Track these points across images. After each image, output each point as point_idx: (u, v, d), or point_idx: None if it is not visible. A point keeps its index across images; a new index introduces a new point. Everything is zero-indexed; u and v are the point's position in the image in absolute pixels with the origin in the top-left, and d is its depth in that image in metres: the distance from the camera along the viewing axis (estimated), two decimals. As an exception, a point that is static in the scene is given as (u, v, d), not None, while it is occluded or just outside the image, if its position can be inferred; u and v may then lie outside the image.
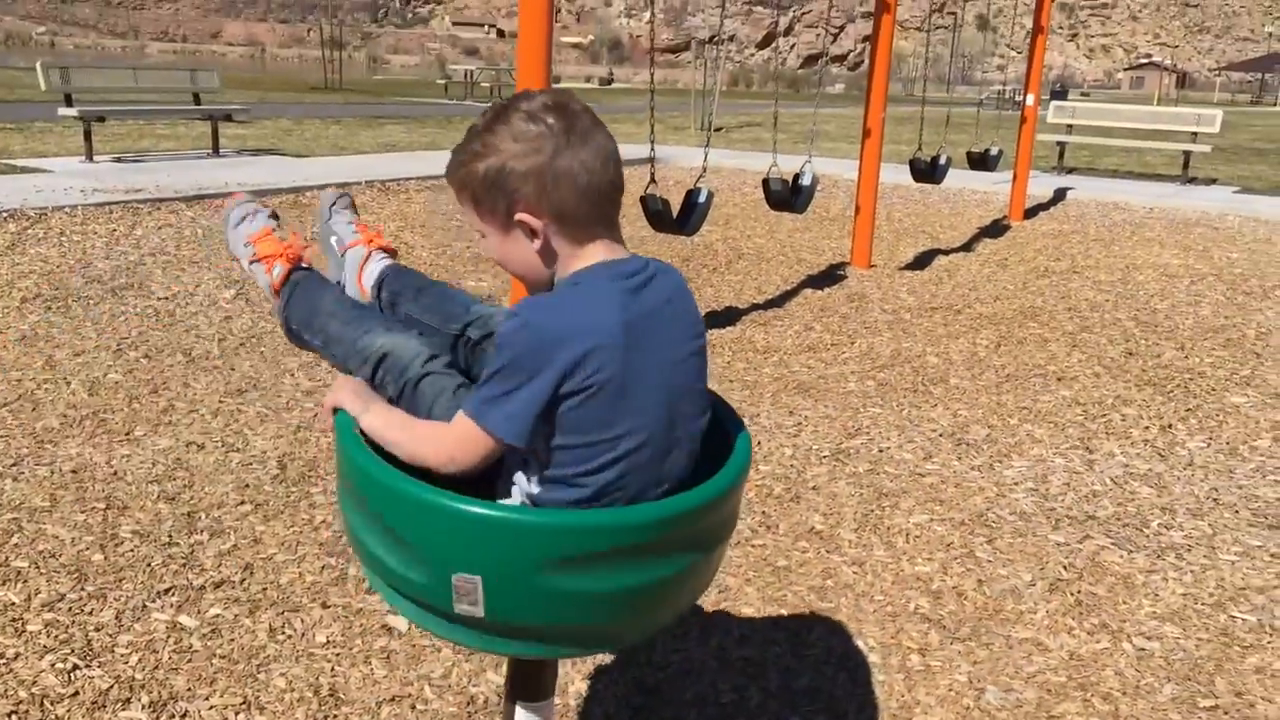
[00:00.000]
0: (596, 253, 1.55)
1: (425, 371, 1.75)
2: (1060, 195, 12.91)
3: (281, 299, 1.95)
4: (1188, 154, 14.88)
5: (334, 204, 2.14)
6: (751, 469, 3.98)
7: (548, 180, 1.49)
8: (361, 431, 1.63)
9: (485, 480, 1.63)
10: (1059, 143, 15.67)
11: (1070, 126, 15.86)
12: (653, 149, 6.28)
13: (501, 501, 1.64)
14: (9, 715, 2.35)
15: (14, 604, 2.80)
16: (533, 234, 1.53)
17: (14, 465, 3.68)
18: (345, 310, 1.90)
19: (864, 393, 5.01)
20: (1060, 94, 41.31)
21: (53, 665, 2.55)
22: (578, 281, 1.53)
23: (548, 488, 1.57)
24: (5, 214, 8.00)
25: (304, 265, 1.99)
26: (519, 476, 1.62)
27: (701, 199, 5.88)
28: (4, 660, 2.56)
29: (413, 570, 1.52)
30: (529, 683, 1.85)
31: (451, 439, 1.52)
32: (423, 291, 1.96)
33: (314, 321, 1.90)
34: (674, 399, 1.57)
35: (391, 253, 2.07)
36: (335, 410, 1.67)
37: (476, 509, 1.46)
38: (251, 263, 2.00)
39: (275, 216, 2.09)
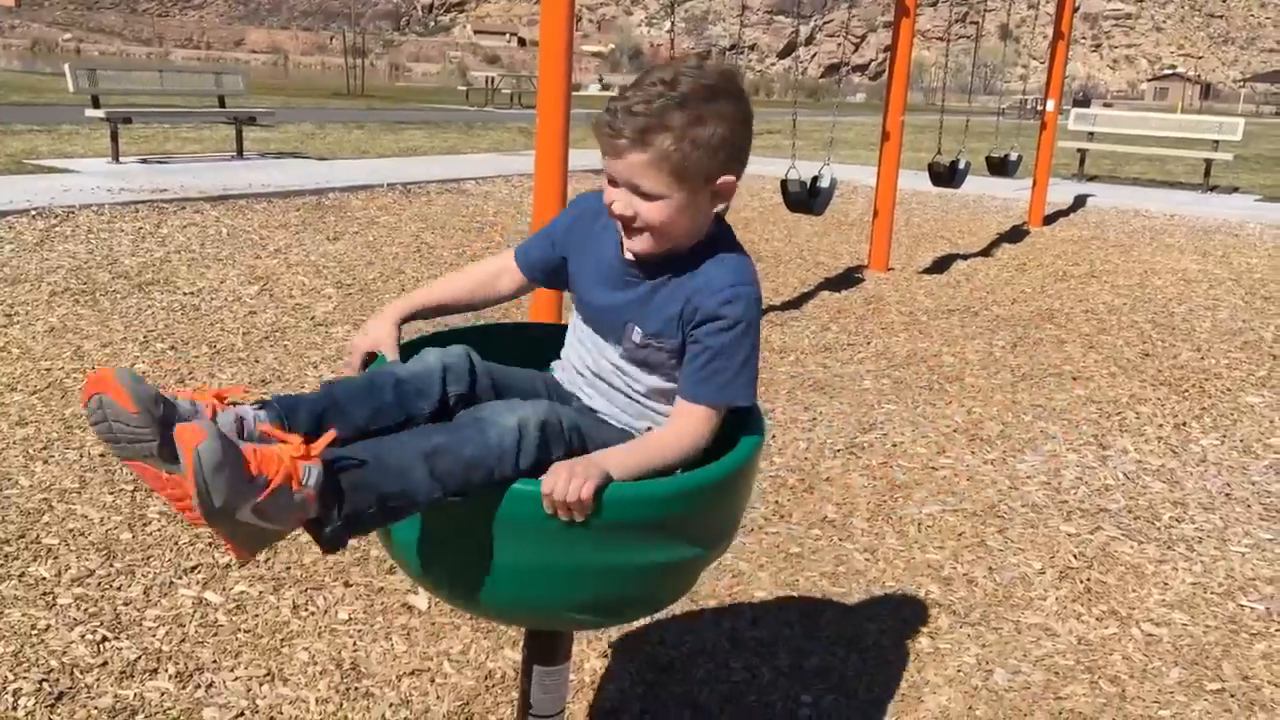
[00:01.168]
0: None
1: (572, 413, 1.73)
2: (1080, 202, 12.91)
3: (327, 499, 1.42)
4: (1209, 162, 14.86)
5: (152, 395, 1.45)
6: (766, 460, 4.03)
7: (745, 154, 1.68)
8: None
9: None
10: (1080, 150, 15.67)
11: (1091, 134, 15.86)
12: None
13: None
14: (40, 683, 2.42)
15: (45, 579, 2.88)
16: (722, 200, 1.69)
17: (44, 449, 3.76)
18: (442, 433, 1.57)
19: (879, 390, 5.05)
20: (1083, 104, 41.23)
21: (83, 636, 2.62)
22: (734, 243, 1.77)
23: None
24: (34, 212, 8.12)
25: (331, 449, 1.47)
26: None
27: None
28: (36, 631, 2.63)
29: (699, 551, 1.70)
30: (545, 648, 1.91)
31: (708, 426, 1.69)
32: (348, 404, 1.65)
33: (412, 476, 1.49)
34: None
35: (235, 402, 1.57)
36: (594, 497, 1.51)
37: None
38: (272, 494, 1.36)
39: (263, 405, 1.57)
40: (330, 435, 1.46)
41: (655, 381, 1.78)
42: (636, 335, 1.75)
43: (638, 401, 1.81)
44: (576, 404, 1.87)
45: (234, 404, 1.55)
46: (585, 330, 1.86)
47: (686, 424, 1.68)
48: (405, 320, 1.89)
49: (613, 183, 1.66)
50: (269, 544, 1.44)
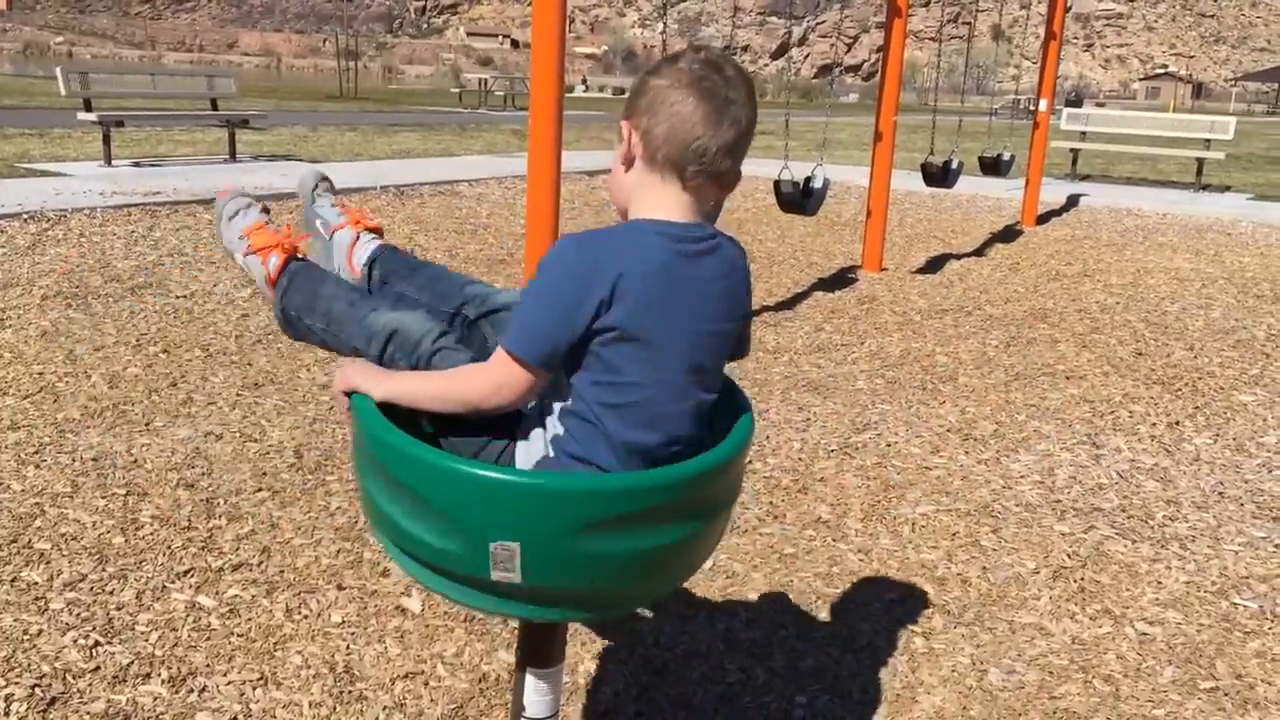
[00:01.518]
0: (662, 205, 1.63)
1: (438, 347, 1.77)
2: (1073, 201, 12.93)
3: (278, 289, 1.93)
4: (1201, 161, 14.89)
5: (315, 188, 2.15)
6: (759, 461, 4.03)
7: (657, 102, 1.60)
8: (379, 407, 1.65)
9: (504, 424, 1.71)
10: (1072, 150, 15.70)
11: (1084, 134, 15.89)
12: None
13: (525, 445, 1.71)
14: (33, 688, 2.41)
15: (36, 583, 2.87)
16: (625, 141, 1.65)
17: (36, 453, 3.75)
18: (348, 293, 1.91)
19: (873, 390, 5.05)
20: (1076, 103, 41.27)
21: (75, 641, 2.61)
22: (629, 224, 1.65)
23: (571, 426, 1.64)
24: (26, 215, 8.11)
25: (300, 256, 1.99)
26: (549, 419, 1.68)
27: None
28: (27, 636, 2.62)
29: (448, 540, 1.56)
30: (539, 650, 1.91)
31: (495, 373, 1.60)
32: (416, 271, 2.01)
33: (316, 305, 1.89)
34: (694, 366, 1.64)
35: (379, 233, 2.09)
36: (349, 394, 1.69)
37: (514, 477, 1.52)
38: (247, 255, 1.98)
39: (266, 210, 2.09)
40: (298, 241, 2.00)
41: None
42: None
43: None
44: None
45: (370, 231, 2.10)
46: None
47: (476, 367, 1.66)
48: None
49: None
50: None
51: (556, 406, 1.68)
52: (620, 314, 1.53)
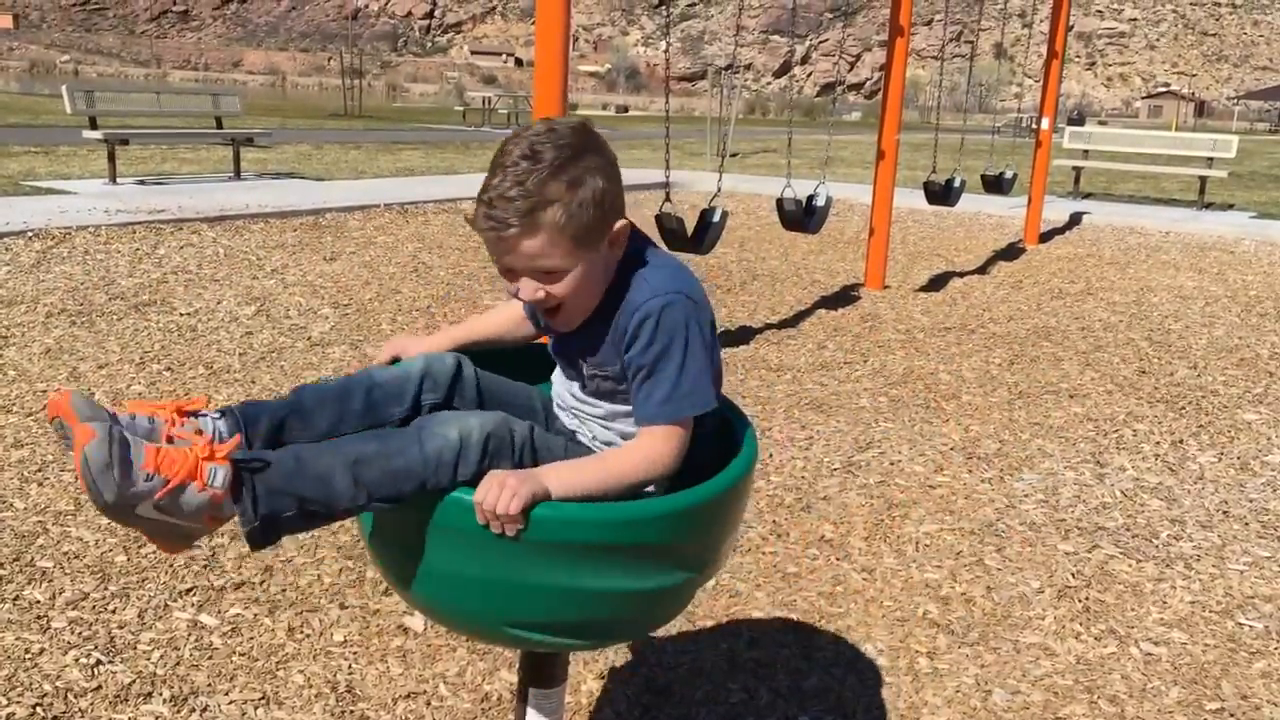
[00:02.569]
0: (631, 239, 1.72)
1: (529, 428, 1.67)
2: (1076, 219, 12.95)
3: (243, 501, 1.47)
4: (1204, 179, 14.90)
5: (104, 418, 1.45)
6: (763, 480, 4.02)
7: (622, 197, 1.67)
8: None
9: None
10: (1075, 168, 15.72)
11: (1086, 152, 15.91)
12: (668, 169, 6.37)
13: None
14: (34, 707, 2.41)
15: (39, 601, 2.87)
16: (619, 247, 1.68)
17: (39, 471, 3.75)
18: (371, 440, 1.58)
19: (876, 408, 5.05)
20: (1078, 121, 41.38)
21: (76, 660, 2.61)
22: (654, 256, 1.72)
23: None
24: (31, 233, 8.13)
25: (239, 449, 1.53)
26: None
27: (716, 218, 5.95)
28: (29, 655, 2.61)
29: (662, 580, 1.65)
30: (541, 670, 1.90)
31: (665, 445, 1.65)
32: (313, 411, 1.71)
33: (334, 483, 1.51)
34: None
35: (196, 412, 1.60)
36: (524, 512, 1.50)
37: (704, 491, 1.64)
38: (170, 492, 1.42)
39: (112, 418, 1.46)
40: (236, 439, 1.52)
41: (614, 408, 1.80)
42: (586, 368, 1.78)
43: (606, 428, 1.82)
44: (559, 425, 1.89)
45: (194, 414, 1.59)
46: (558, 365, 1.91)
47: (640, 444, 1.66)
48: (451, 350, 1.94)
49: (510, 274, 1.65)
50: (193, 539, 1.52)
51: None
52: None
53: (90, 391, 4.64)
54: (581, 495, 1.55)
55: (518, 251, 1.59)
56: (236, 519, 1.48)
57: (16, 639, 2.68)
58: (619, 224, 1.64)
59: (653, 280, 1.66)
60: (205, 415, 1.60)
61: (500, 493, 1.47)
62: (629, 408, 1.74)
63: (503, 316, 2.05)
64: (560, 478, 1.54)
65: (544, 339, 2.03)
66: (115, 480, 1.38)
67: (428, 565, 1.60)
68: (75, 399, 1.45)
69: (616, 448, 1.73)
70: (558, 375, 1.92)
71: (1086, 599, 3.21)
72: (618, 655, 2.77)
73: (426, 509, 1.56)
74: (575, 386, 1.84)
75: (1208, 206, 14.85)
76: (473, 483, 1.53)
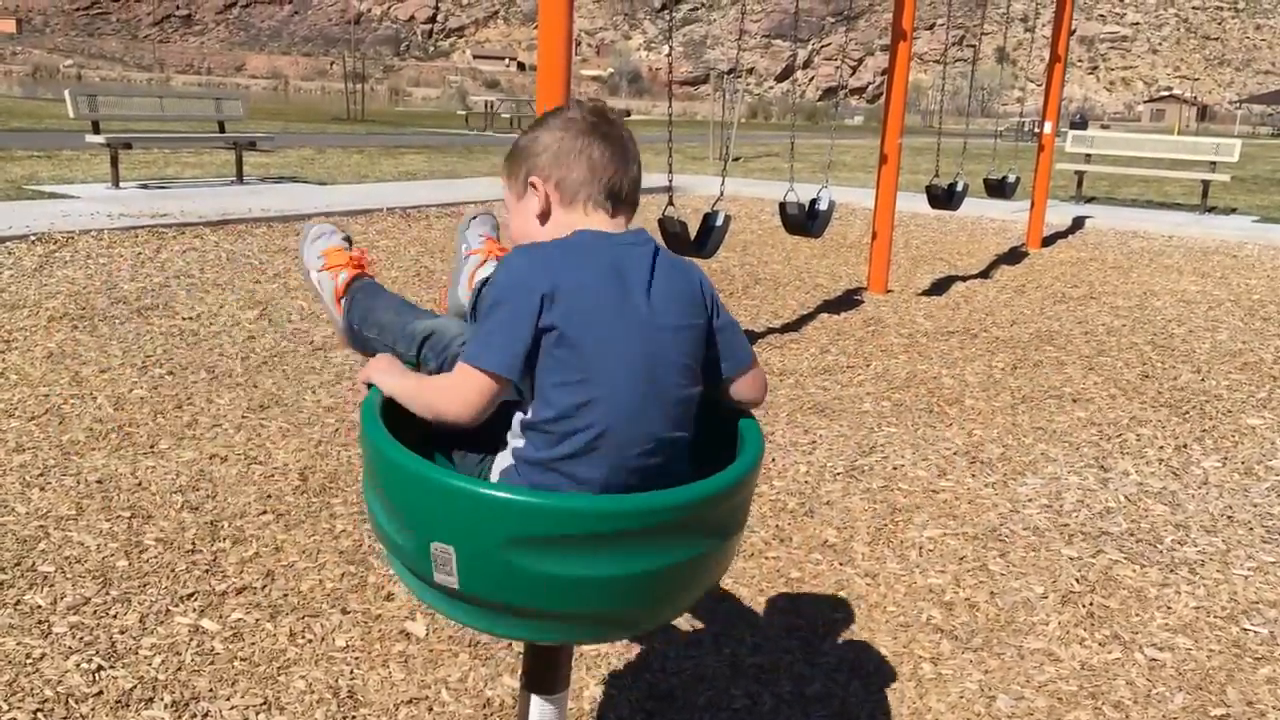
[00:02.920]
0: (590, 224, 1.74)
1: (463, 349, 1.80)
2: (1079, 224, 12.93)
3: (345, 303, 2.07)
4: (1206, 184, 14.89)
5: (475, 218, 2.27)
6: (765, 485, 4.01)
7: (562, 154, 1.75)
8: (388, 402, 1.75)
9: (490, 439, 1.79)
10: (1078, 172, 15.71)
11: (1089, 156, 15.90)
12: (670, 173, 6.36)
13: (496, 460, 1.75)
14: (35, 713, 2.40)
15: (40, 606, 2.86)
16: (537, 197, 1.77)
17: (40, 475, 3.75)
18: (399, 304, 2.04)
19: (879, 413, 5.04)
20: (1080, 125, 41.38)
21: (78, 665, 2.60)
22: (570, 238, 1.72)
23: (528, 438, 1.66)
24: (33, 237, 8.13)
25: (366, 274, 2.13)
26: (511, 431, 1.72)
27: (719, 222, 5.94)
28: (30, 660, 2.61)
29: (402, 538, 1.60)
30: (544, 675, 1.89)
31: (460, 387, 1.63)
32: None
33: (370, 316, 2.02)
34: (653, 363, 1.64)
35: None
36: (369, 386, 1.80)
37: (443, 478, 1.54)
38: (321, 271, 2.12)
39: (349, 240, 2.22)
40: (363, 263, 2.13)
41: None
42: None
43: None
44: None
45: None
46: None
47: (443, 377, 1.73)
48: None
49: None
50: (335, 327, 2.14)
51: (517, 418, 1.71)
52: (558, 314, 1.59)
53: (93, 396, 4.64)
54: (402, 401, 1.73)
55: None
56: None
57: (18, 644, 2.67)
58: (532, 177, 1.76)
59: (524, 247, 1.71)
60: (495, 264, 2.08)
61: (364, 368, 1.82)
62: None
63: None
64: (396, 380, 1.76)
65: None
66: (304, 247, 2.15)
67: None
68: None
69: (442, 374, 1.80)
70: None
71: (1090, 604, 3.20)
72: (620, 661, 2.76)
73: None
74: None
75: (1211, 210, 14.84)
76: (413, 365, 1.88)
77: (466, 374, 1.62)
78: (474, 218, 2.27)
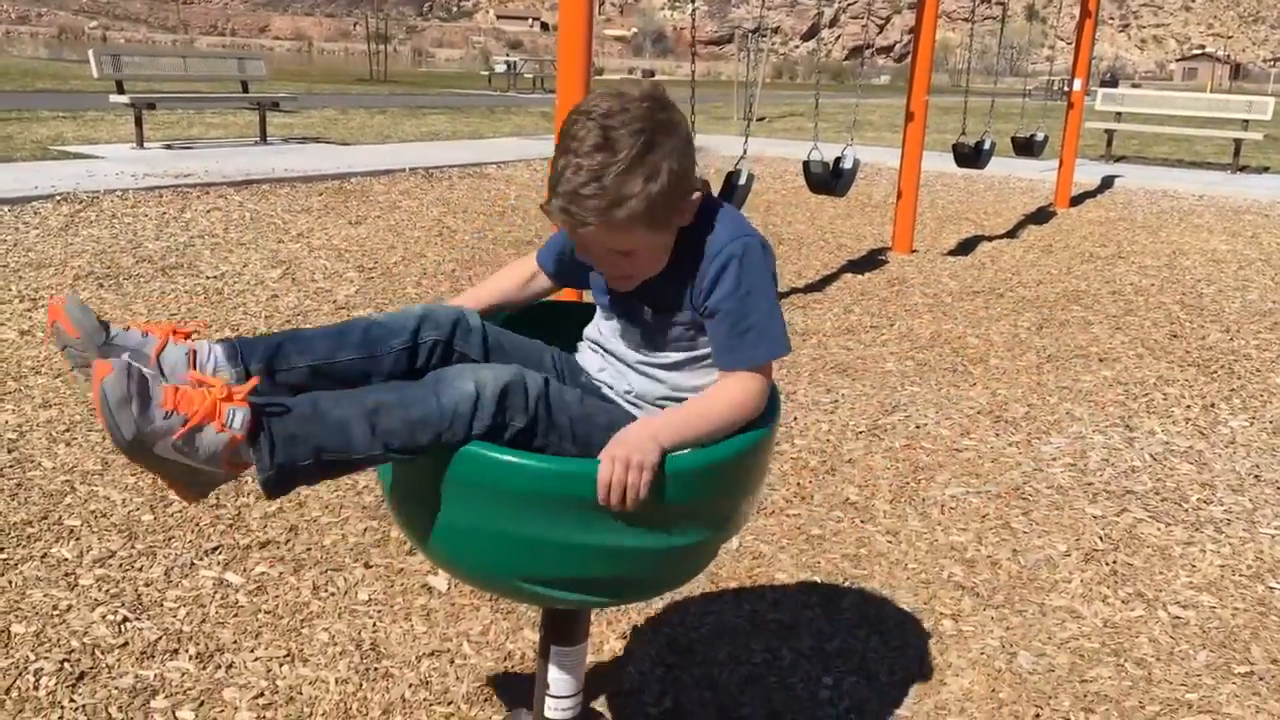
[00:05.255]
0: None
1: (544, 381, 1.63)
2: (1108, 183, 12.78)
3: (261, 447, 1.46)
4: (1239, 142, 14.66)
5: (94, 326, 1.58)
6: (787, 443, 4.00)
7: (694, 166, 1.66)
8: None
9: None
10: (1107, 131, 15.50)
11: (1119, 114, 15.68)
12: (694, 133, 6.31)
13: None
14: (62, 663, 2.43)
15: (66, 559, 2.89)
16: (690, 212, 1.67)
17: (67, 431, 3.78)
18: (388, 391, 1.58)
19: (902, 372, 5.01)
20: (1111, 84, 40.80)
21: (104, 617, 2.63)
22: (717, 205, 1.72)
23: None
24: (59, 197, 8.17)
25: (256, 396, 1.51)
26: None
27: (742, 181, 5.90)
28: (57, 612, 2.64)
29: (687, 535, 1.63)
30: (563, 628, 1.90)
31: (756, 387, 1.65)
32: (311, 340, 1.70)
33: (351, 431, 1.50)
34: None
35: (190, 335, 1.65)
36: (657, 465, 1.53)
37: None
38: (190, 432, 1.42)
39: (214, 343, 1.64)
40: (253, 382, 1.52)
41: (672, 357, 1.77)
42: (648, 314, 1.76)
43: (655, 379, 1.80)
44: (585, 378, 1.87)
45: (190, 337, 1.63)
46: (602, 312, 1.88)
47: (728, 389, 1.65)
48: None
49: (585, 249, 1.68)
50: (212, 486, 1.53)
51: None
52: None
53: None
54: (686, 445, 1.58)
55: (595, 237, 1.61)
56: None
57: (45, 595, 2.70)
58: (693, 196, 1.65)
59: (727, 227, 1.68)
60: (201, 340, 1.63)
61: (627, 474, 1.49)
62: (686, 357, 1.77)
63: (509, 280, 2.00)
64: (666, 433, 1.55)
65: (565, 294, 2.00)
66: (133, 415, 1.37)
67: (447, 519, 1.60)
68: (70, 307, 1.55)
69: (699, 396, 1.69)
70: (601, 326, 1.89)
71: (1114, 562, 3.18)
72: (640, 615, 2.77)
73: (445, 464, 1.55)
74: (634, 336, 1.80)
75: (1242, 169, 14.62)
76: (487, 436, 1.54)
77: (764, 373, 1.67)
78: (91, 331, 1.58)
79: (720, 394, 1.65)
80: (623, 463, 1.48)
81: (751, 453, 1.66)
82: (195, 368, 1.59)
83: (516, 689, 2.44)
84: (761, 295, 1.65)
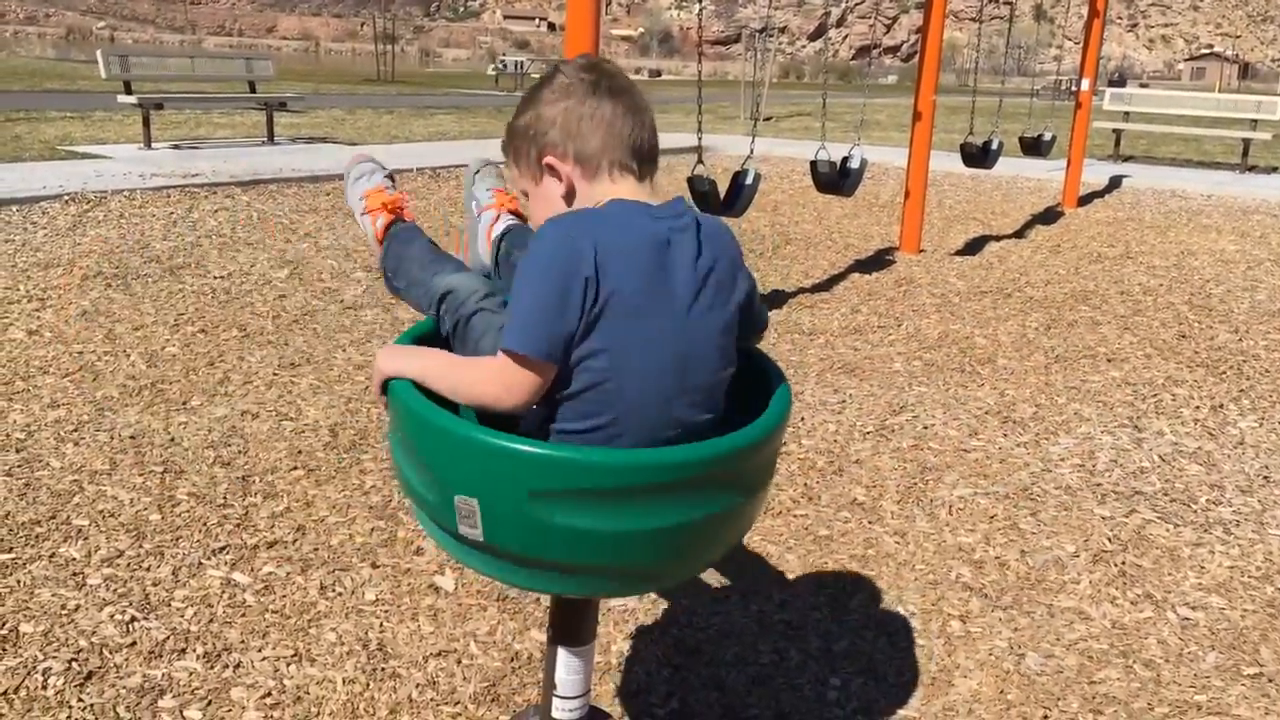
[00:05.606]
0: (621, 193, 1.61)
1: (478, 308, 1.79)
2: (1116, 183, 12.75)
3: (383, 248, 2.06)
4: (1247, 142, 14.62)
5: (478, 171, 2.27)
6: (794, 443, 4.00)
7: (572, 124, 1.62)
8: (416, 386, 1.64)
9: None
10: (1115, 130, 15.47)
11: (1127, 114, 15.65)
12: (700, 133, 6.31)
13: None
14: (70, 662, 2.43)
15: (74, 559, 2.89)
16: (557, 177, 1.65)
17: (74, 431, 3.78)
18: (426, 256, 2.00)
19: (910, 372, 5.00)
20: (1119, 84, 40.71)
21: (111, 617, 2.63)
22: (609, 205, 1.60)
23: (559, 413, 1.58)
24: (66, 197, 8.19)
25: (404, 219, 2.11)
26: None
27: (749, 180, 5.90)
28: (65, 611, 2.64)
29: (429, 492, 1.58)
30: (571, 628, 1.90)
31: (497, 372, 1.53)
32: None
33: (400, 267, 2.00)
34: (686, 356, 1.57)
35: (520, 216, 2.15)
36: (385, 382, 1.65)
37: (468, 432, 1.52)
38: (362, 214, 2.12)
39: (391, 178, 2.20)
40: (404, 211, 2.12)
41: None
42: None
43: None
44: None
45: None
46: None
47: (482, 362, 1.60)
48: None
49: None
50: (378, 265, 2.10)
51: None
52: (602, 293, 1.48)
53: (126, 354, 4.68)
54: (432, 385, 1.62)
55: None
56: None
57: (53, 595, 2.70)
58: (546, 158, 1.64)
59: (562, 211, 1.62)
60: (509, 217, 2.15)
61: (376, 365, 1.70)
62: None
63: None
64: (418, 362, 1.65)
65: None
66: (347, 189, 2.18)
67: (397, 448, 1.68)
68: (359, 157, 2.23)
69: (477, 357, 1.69)
70: None
71: (1123, 563, 3.17)
72: (648, 616, 2.76)
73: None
74: None
75: (1251, 169, 14.58)
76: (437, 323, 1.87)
77: (516, 363, 1.50)
78: (477, 172, 2.24)
79: (476, 363, 1.63)
80: (379, 360, 1.68)
81: (764, 442, 1.62)
82: (491, 226, 2.12)
83: (523, 689, 2.43)
84: (523, 283, 1.50)
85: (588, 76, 1.63)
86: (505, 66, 33.81)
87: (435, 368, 1.63)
